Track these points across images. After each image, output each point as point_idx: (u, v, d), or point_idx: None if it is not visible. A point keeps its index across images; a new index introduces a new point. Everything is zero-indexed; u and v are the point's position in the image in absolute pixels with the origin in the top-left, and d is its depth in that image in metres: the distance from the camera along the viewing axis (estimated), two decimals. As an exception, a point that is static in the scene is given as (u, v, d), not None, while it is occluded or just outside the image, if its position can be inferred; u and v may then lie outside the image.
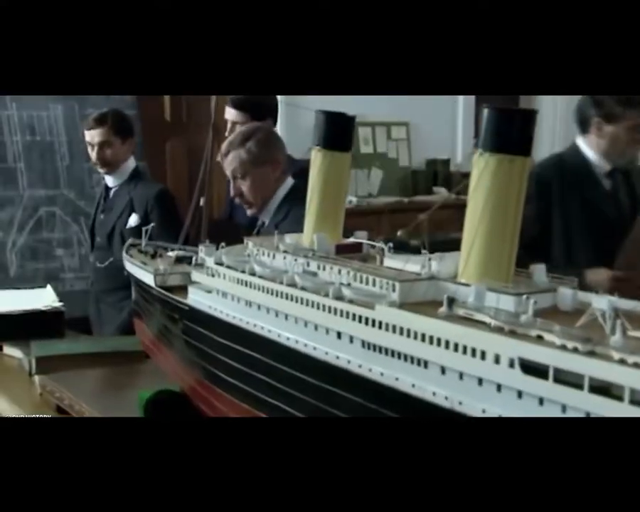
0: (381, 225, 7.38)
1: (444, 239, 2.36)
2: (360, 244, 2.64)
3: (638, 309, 1.97)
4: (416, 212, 2.45)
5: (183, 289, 3.09)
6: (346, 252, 2.58)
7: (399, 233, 2.38)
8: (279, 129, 7.98)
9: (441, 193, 8.03)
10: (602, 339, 1.73)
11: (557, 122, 8.76)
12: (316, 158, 2.63)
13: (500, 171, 2.07)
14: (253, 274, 2.54)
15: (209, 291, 2.79)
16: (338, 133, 2.61)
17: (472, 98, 9.94)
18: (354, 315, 2.16)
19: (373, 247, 2.67)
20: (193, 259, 3.19)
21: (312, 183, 2.64)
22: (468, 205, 2.13)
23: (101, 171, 5.13)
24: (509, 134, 2.07)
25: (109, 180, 5.14)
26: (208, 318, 2.78)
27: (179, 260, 3.25)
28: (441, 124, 8.87)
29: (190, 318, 2.92)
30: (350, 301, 2.19)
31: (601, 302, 1.88)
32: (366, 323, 2.12)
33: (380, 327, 2.08)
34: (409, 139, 8.78)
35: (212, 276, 2.76)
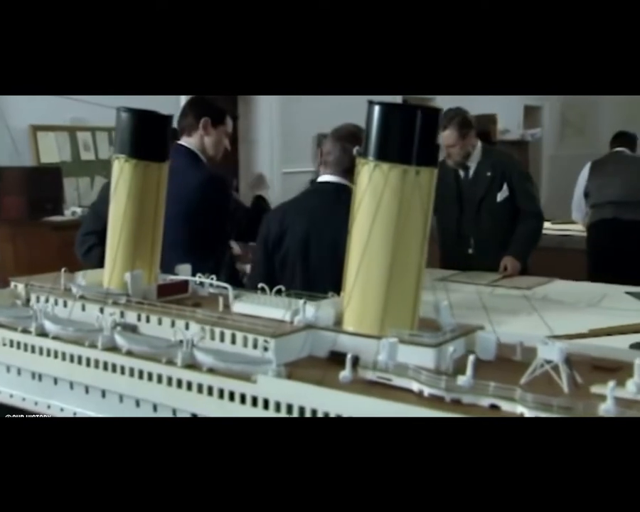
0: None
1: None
2: (186, 282, 2.01)
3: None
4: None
5: None
6: (171, 293, 1.94)
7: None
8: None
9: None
10: (588, 406, 1.34)
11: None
12: (123, 171, 1.94)
13: (405, 182, 1.59)
14: (43, 333, 1.80)
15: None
16: (151, 138, 1.94)
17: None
18: (221, 391, 1.54)
19: (201, 284, 2.06)
20: None
21: (118, 202, 1.95)
22: (354, 225, 1.63)
23: None
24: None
25: None
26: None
27: None
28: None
29: None
30: (210, 371, 1.57)
31: (549, 352, 1.48)
32: (242, 401, 1.52)
33: (265, 407, 1.49)
34: (134, 145, 8.02)
35: (-27, 338, 1.95)
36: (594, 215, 5.83)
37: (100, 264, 3.10)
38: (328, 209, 3.00)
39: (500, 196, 4.25)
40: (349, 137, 3.06)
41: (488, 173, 4.24)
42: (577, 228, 6.22)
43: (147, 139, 1.91)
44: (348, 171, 3.00)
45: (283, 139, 8.39)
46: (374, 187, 1.60)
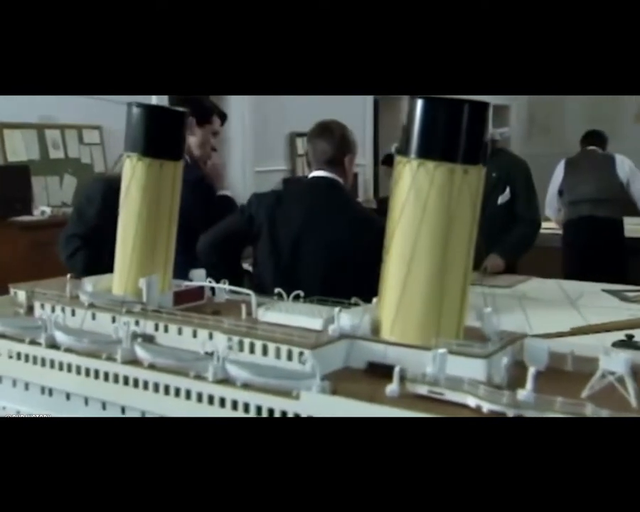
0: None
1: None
2: (202, 288, 1.89)
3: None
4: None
5: None
6: (188, 300, 1.82)
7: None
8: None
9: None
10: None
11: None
12: (136, 170, 1.80)
13: (453, 182, 1.50)
14: (54, 346, 1.66)
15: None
16: (166, 134, 1.80)
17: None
18: (259, 408, 1.43)
19: (212, 290, 1.93)
20: None
21: (131, 204, 1.81)
22: (398, 228, 1.52)
23: None
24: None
25: None
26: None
27: None
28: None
29: None
30: (244, 386, 1.45)
31: (614, 362, 1.39)
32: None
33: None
34: (104, 144, 7.87)
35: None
36: (571, 212, 5.83)
37: (85, 268, 2.97)
38: (324, 205, 2.96)
39: (502, 199, 4.17)
40: (315, 133, 3.09)
41: (494, 174, 4.10)
42: (550, 226, 6.21)
43: (162, 136, 1.78)
44: (328, 162, 3.00)
45: (255, 137, 8.26)
46: (418, 188, 1.49)
